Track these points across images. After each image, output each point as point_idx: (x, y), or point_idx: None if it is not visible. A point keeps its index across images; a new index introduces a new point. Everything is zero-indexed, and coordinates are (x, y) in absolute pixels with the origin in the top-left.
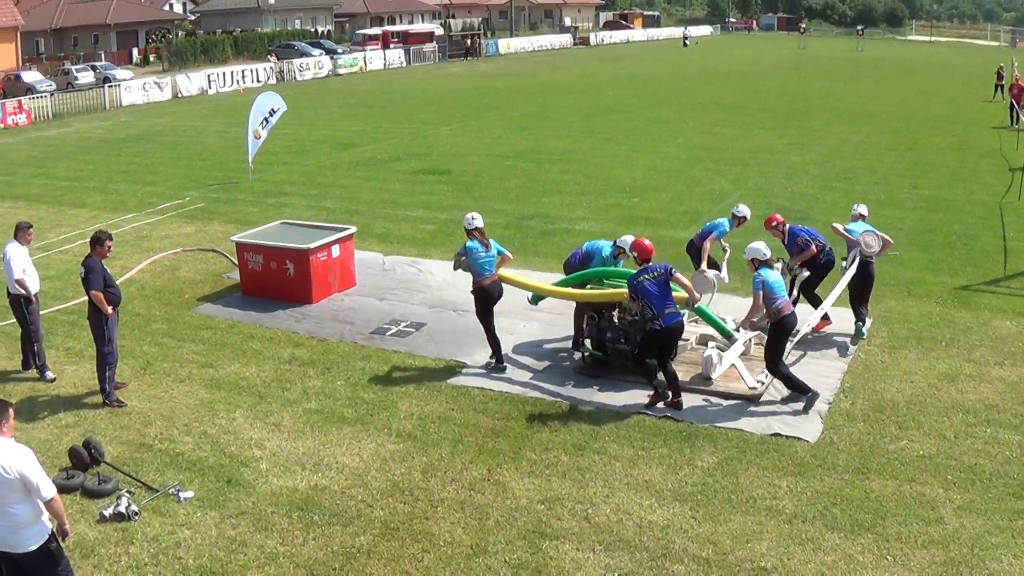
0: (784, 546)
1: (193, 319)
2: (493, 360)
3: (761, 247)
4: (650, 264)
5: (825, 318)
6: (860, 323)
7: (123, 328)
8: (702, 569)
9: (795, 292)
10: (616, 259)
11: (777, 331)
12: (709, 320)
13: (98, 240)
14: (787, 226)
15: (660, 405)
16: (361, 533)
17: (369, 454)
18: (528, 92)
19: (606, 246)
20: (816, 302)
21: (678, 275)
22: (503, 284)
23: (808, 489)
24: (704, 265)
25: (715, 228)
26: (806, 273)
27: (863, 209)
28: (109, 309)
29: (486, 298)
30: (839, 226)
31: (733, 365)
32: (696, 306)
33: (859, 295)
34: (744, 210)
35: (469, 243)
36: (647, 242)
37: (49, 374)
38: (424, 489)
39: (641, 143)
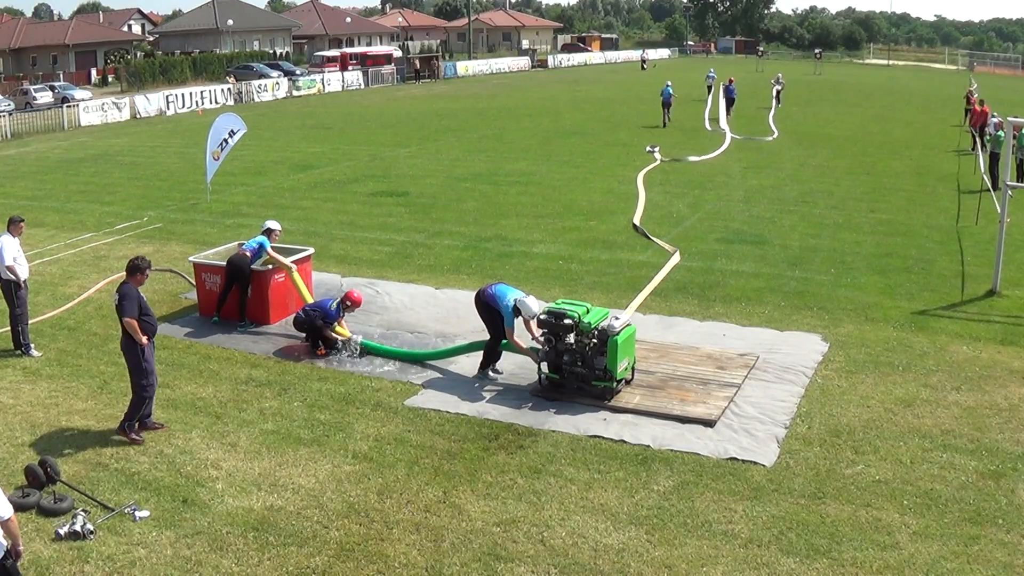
0: (739, 571)
1: None
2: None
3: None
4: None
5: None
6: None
7: (80, 347)
8: None
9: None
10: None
11: None
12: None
13: (136, 267)
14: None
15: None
16: (316, 554)
17: (325, 475)
18: (486, 114)
19: (510, 296)
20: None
21: None
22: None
23: (764, 513)
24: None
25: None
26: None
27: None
28: (144, 339)
29: None
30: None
31: None
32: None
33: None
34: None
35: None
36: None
37: (34, 352)
38: (379, 511)
39: (599, 166)
